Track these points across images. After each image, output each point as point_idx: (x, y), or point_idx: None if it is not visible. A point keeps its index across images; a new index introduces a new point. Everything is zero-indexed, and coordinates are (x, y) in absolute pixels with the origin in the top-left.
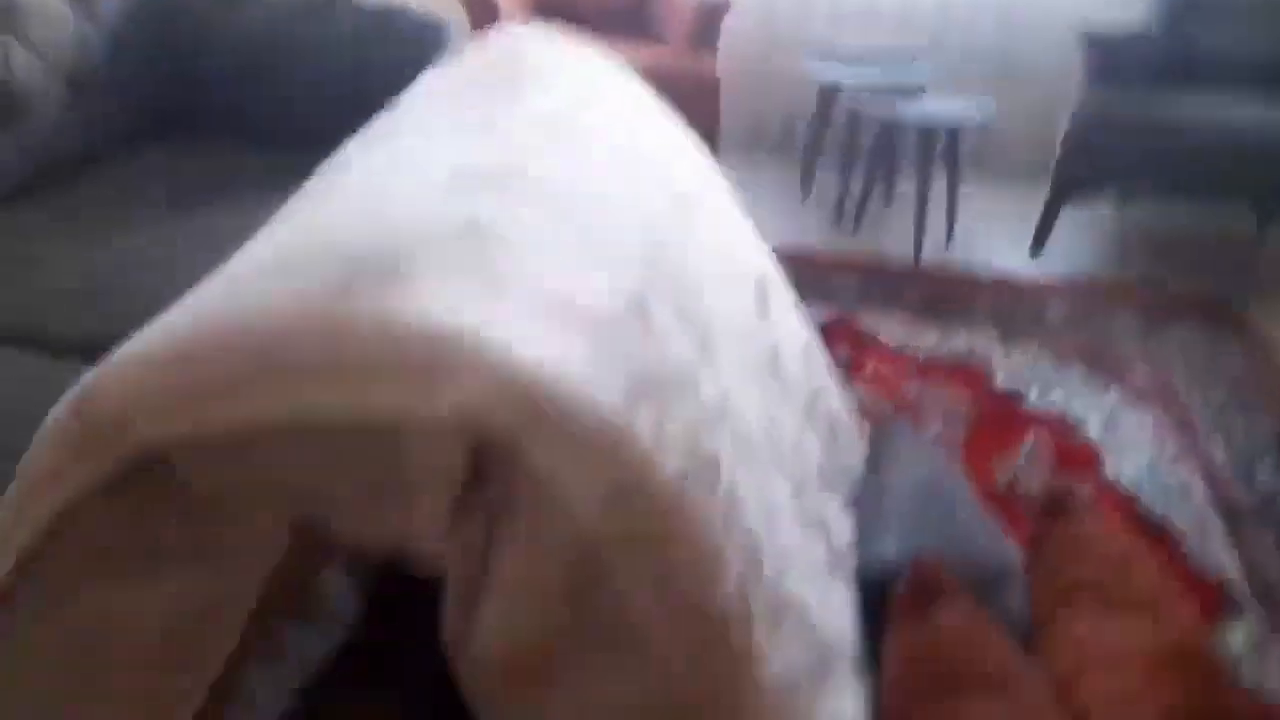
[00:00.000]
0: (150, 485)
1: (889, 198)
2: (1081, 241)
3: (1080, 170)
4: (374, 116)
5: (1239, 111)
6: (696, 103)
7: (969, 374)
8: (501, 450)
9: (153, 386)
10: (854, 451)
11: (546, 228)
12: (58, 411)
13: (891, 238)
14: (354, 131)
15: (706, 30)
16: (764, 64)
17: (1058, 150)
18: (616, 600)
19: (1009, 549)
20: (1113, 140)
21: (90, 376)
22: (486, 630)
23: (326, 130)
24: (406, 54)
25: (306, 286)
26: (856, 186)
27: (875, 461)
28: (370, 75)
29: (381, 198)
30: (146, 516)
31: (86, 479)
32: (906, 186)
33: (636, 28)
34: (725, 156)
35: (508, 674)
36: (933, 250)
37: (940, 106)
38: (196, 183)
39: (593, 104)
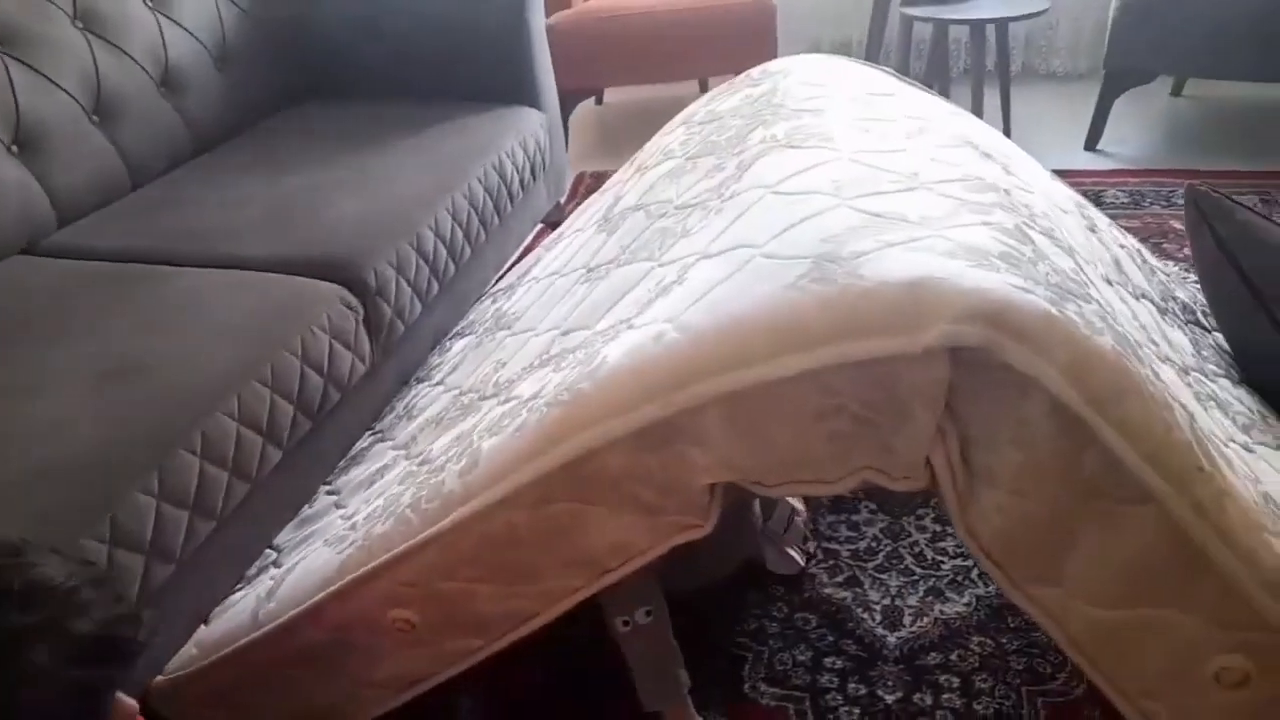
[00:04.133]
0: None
1: None
2: (1136, 131)
3: (1128, 60)
4: (474, 65)
5: None
6: (755, 36)
7: None
8: (976, 357)
9: (695, 362)
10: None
11: (927, 204)
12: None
13: None
14: (454, 80)
15: None
16: None
17: (1106, 43)
18: (1103, 455)
19: None
20: (1156, 27)
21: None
22: (995, 518)
23: (434, 81)
24: (499, 5)
25: (795, 279)
26: None
27: None
28: (468, 26)
29: (791, 209)
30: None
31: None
32: (961, 99)
33: None
34: None
35: (1024, 546)
36: None
37: (988, 6)
38: (339, 134)
39: (896, 103)
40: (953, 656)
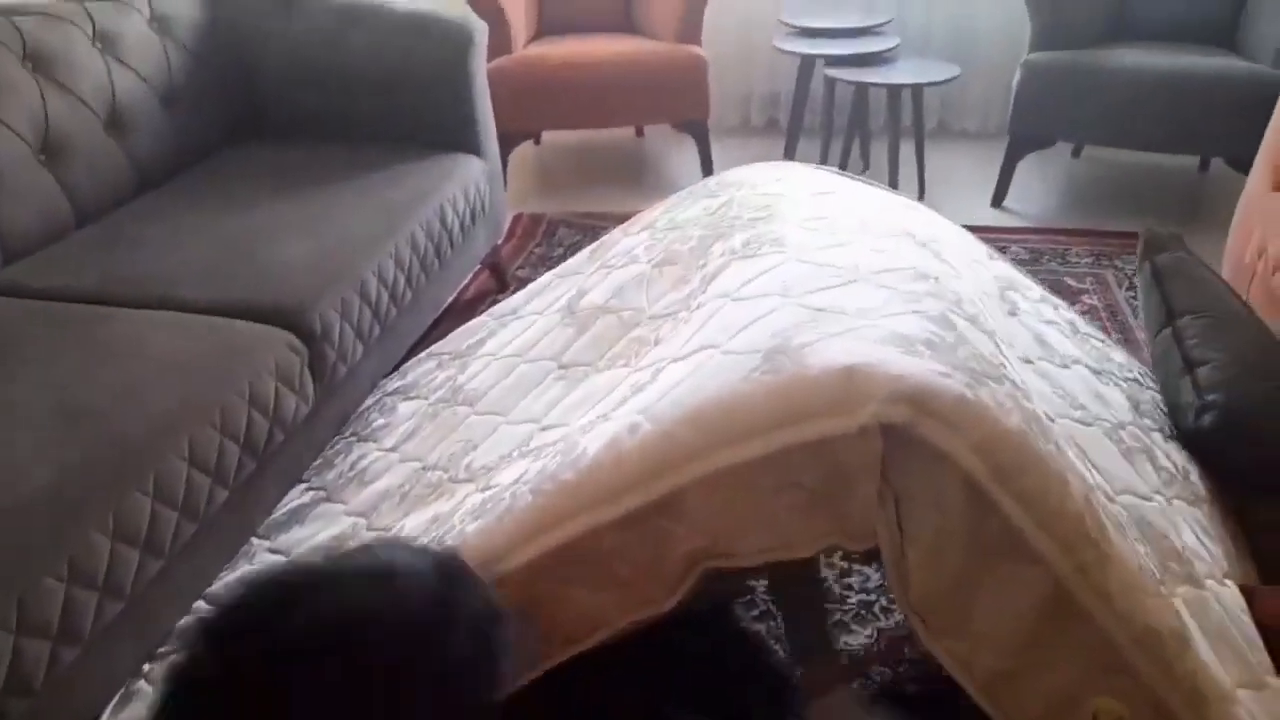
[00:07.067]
0: None
1: (865, 162)
2: (1039, 190)
3: (1029, 126)
4: (417, 111)
5: (1167, 64)
6: (688, 87)
7: None
8: (902, 433)
9: (667, 451)
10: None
11: (864, 295)
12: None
13: None
14: (397, 124)
15: (691, 21)
16: (745, 49)
17: (1010, 110)
18: (1003, 522)
19: None
20: (1054, 99)
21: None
22: (917, 574)
23: (376, 125)
24: (442, 53)
25: (749, 372)
26: (835, 154)
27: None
28: (411, 74)
29: (746, 312)
30: None
31: None
32: (881, 152)
33: (628, 26)
34: (718, 140)
35: (940, 601)
36: None
37: (905, 70)
38: (282, 175)
39: (841, 201)
40: (854, 685)
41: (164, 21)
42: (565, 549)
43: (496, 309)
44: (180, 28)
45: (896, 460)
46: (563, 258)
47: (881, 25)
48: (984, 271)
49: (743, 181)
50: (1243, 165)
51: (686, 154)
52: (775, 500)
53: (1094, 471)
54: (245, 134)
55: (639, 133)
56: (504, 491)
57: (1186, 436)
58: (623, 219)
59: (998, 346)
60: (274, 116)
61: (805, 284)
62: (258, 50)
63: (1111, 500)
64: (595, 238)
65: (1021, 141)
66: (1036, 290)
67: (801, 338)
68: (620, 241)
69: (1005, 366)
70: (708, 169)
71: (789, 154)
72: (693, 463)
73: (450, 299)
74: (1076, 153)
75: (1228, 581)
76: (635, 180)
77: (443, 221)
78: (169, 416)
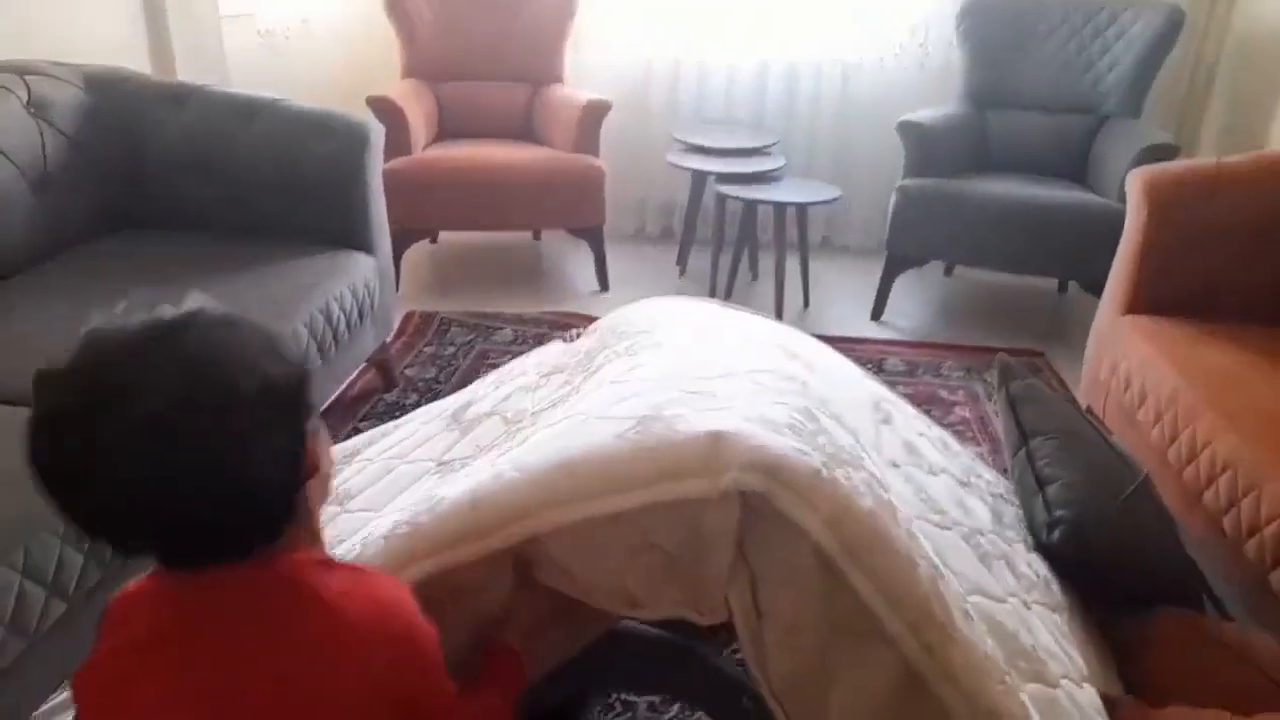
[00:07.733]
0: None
1: (754, 273)
2: (914, 305)
3: (904, 246)
4: (308, 207)
5: (1024, 194)
6: (585, 195)
7: None
8: (759, 503)
9: (531, 497)
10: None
11: (735, 387)
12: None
13: (757, 307)
14: (288, 219)
15: (589, 132)
16: (641, 161)
17: (887, 230)
18: (854, 599)
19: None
20: (926, 222)
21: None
22: (775, 654)
23: (265, 220)
24: (337, 152)
25: (621, 431)
26: (725, 264)
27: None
28: (304, 171)
29: (623, 391)
30: None
31: None
32: (769, 264)
33: (528, 135)
34: (614, 246)
35: (800, 683)
36: (792, 316)
37: (792, 190)
38: (157, 266)
39: (720, 322)
40: None
41: (43, 106)
42: (417, 589)
43: (388, 425)
44: (60, 113)
45: (754, 532)
46: (454, 357)
47: (769, 146)
48: (858, 387)
49: (632, 310)
50: (1096, 289)
51: (582, 258)
52: (631, 560)
53: (946, 569)
54: (127, 223)
55: (536, 235)
56: (355, 543)
57: (1042, 552)
58: (516, 320)
59: (860, 445)
60: (159, 207)
61: (682, 374)
62: (146, 139)
63: (962, 599)
64: (488, 338)
65: (898, 259)
66: (910, 409)
67: (674, 410)
68: (514, 365)
69: (865, 460)
70: (602, 274)
71: (681, 263)
72: (555, 509)
73: (334, 396)
74: (949, 271)
75: (1085, 685)
76: (531, 282)
77: (328, 318)
78: (8, 526)
